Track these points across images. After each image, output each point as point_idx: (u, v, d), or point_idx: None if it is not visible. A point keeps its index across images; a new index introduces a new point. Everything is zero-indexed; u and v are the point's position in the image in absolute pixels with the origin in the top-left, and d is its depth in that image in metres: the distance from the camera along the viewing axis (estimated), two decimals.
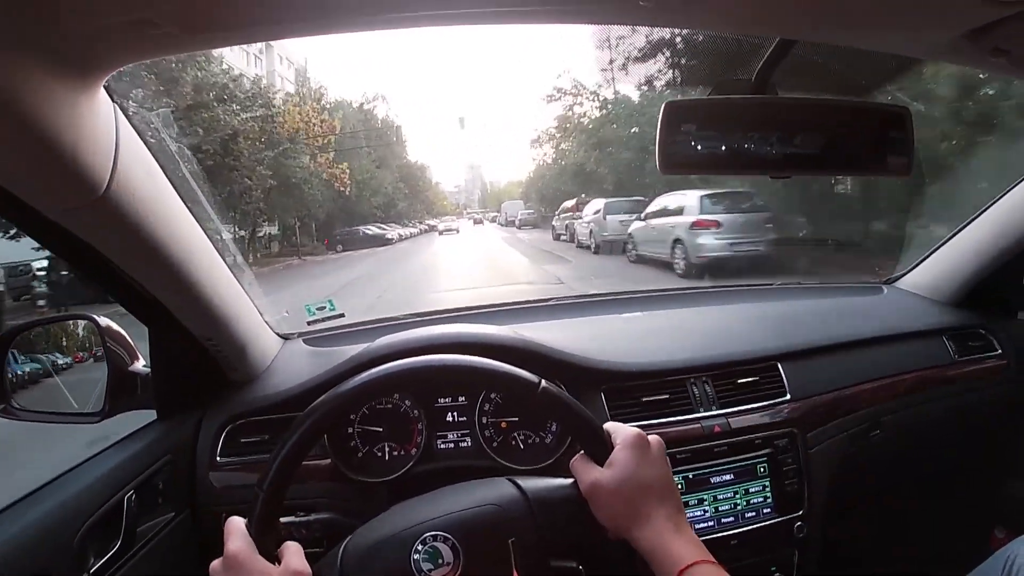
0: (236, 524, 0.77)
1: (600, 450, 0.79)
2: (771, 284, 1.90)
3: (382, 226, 23.00)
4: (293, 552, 0.77)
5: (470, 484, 0.87)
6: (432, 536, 0.77)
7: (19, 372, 1.09)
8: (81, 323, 1.15)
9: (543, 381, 0.80)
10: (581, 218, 13.79)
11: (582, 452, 0.81)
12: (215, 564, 0.75)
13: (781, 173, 0.91)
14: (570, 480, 0.80)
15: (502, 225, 32.16)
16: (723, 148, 0.83)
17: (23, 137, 0.60)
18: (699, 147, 0.82)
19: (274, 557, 0.76)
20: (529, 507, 0.79)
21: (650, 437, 0.80)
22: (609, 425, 0.82)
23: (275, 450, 0.78)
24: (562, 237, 15.89)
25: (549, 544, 0.78)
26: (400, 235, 22.95)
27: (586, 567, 0.78)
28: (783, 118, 0.85)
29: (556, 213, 17.29)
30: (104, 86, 0.70)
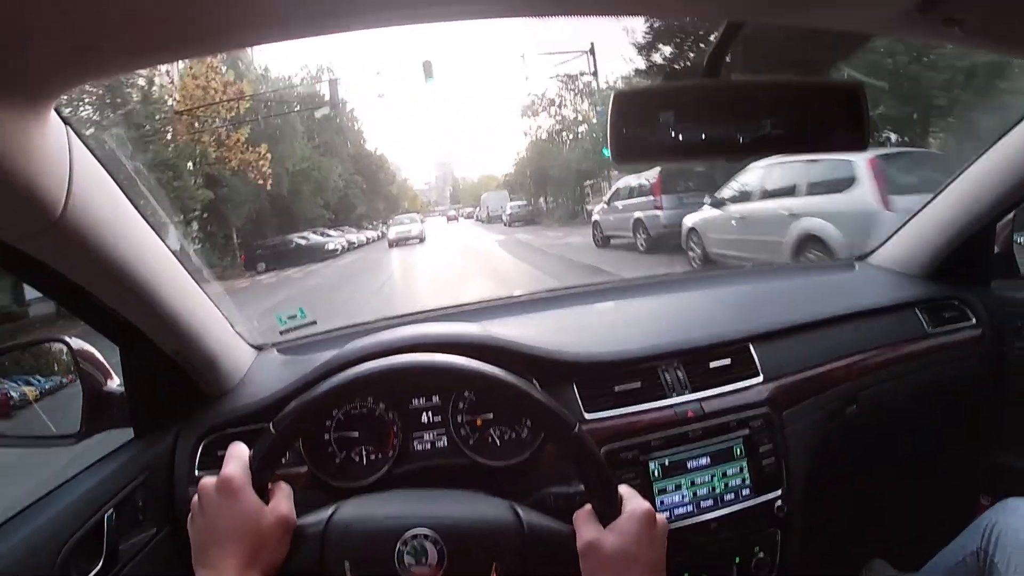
0: (239, 450, 0.79)
1: (609, 512, 0.79)
2: (743, 266, 1.92)
3: (327, 232, 18.49)
4: (283, 495, 0.79)
5: (472, 495, 0.87)
6: (424, 534, 0.78)
7: None
8: (55, 346, 1.14)
9: (579, 426, 0.80)
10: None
11: (588, 507, 0.80)
12: (206, 481, 0.77)
13: (736, 156, 0.91)
14: (569, 528, 0.80)
15: (482, 222, 30.61)
16: (677, 135, 0.82)
17: None
18: (652, 135, 0.82)
19: (265, 495, 0.77)
20: (522, 539, 0.79)
21: (658, 517, 0.80)
22: (623, 489, 0.82)
23: (302, 395, 0.79)
24: (614, 240, 11.31)
25: None
26: (348, 244, 18.23)
27: None
28: (736, 101, 0.85)
29: (607, 200, 11.98)
30: (55, 109, 0.70)
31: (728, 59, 0.85)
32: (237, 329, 1.29)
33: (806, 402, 1.33)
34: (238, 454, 0.79)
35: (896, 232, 1.73)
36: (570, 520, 0.80)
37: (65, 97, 0.71)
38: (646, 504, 0.80)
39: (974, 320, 1.58)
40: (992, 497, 1.64)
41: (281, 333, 1.48)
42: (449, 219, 37.85)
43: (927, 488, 1.68)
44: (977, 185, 1.51)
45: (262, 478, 0.77)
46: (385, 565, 0.77)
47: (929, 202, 1.63)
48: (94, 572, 0.91)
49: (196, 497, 0.77)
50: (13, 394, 1.13)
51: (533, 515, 0.82)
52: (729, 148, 0.87)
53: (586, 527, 0.78)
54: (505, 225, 24.62)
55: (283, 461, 0.82)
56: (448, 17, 0.67)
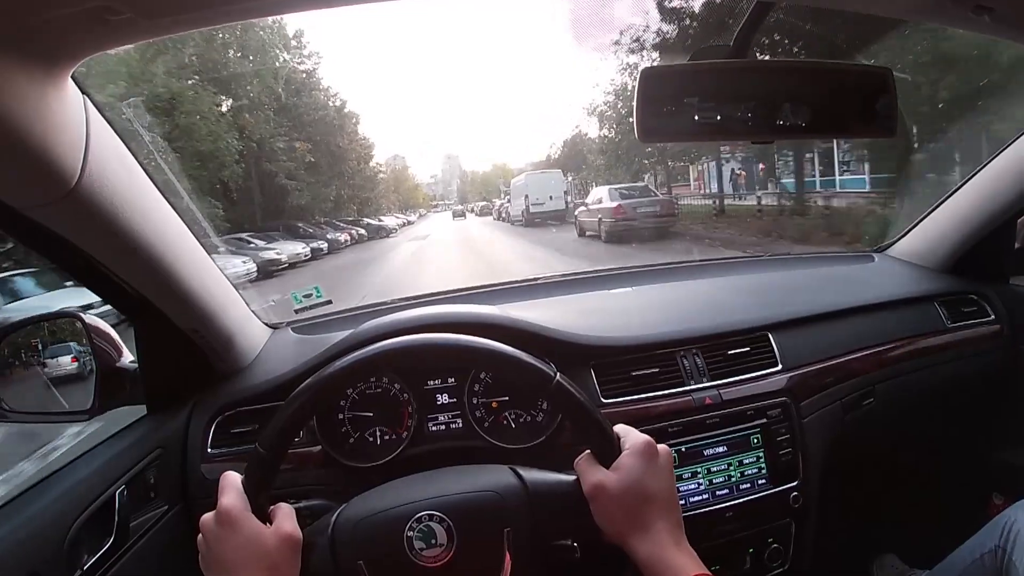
0: (232, 480, 0.78)
1: (608, 452, 0.78)
2: (761, 255, 1.90)
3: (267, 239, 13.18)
4: (285, 514, 0.78)
5: (471, 468, 0.87)
6: (428, 515, 0.77)
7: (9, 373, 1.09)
8: (68, 322, 1.14)
9: (558, 375, 0.79)
10: None
11: (588, 452, 0.80)
12: (206, 517, 0.76)
13: (762, 138, 0.89)
14: (572, 477, 0.80)
15: (509, 222, 20.15)
16: (703, 115, 0.82)
17: None
18: (678, 115, 0.81)
19: (266, 517, 0.76)
20: (528, 498, 0.79)
21: (659, 447, 0.79)
22: (619, 428, 0.82)
23: (281, 409, 0.78)
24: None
25: (544, 537, 0.78)
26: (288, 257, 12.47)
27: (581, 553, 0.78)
28: (763, 83, 0.84)
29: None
30: (72, 77, 0.69)
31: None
32: (252, 308, 1.29)
33: (823, 393, 1.31)
34: (231, 483, 0.77)
35: (916, 225, 1.71)
36: (562, 454, 0.80)
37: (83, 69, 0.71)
38: (644, 437, 0.80)
39: (992, 316, 1.57)
40: (1005, 496, 1.63)
41: (296, 312, 1.48)
42: (456, 216, 34.40)
43: (939, 484, 1.67)
44: (998, 180, 1.49)
45: (260, 501, 0.77)
46: (397, 555, 0.76)
47: (949, 195, 1.60)
48: (104, 548, 0.90)
49: (200, 536, 0.77)
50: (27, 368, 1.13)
51: (534, 473, 0.82)
52: (754, 130, 0.86)
53: (589, 471, 0.78)
54: (554, 227, 16.48)
55: (277, 479, 0.80)
56: None
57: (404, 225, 26.16)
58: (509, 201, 22.33)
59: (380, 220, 22.49)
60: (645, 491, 0.76)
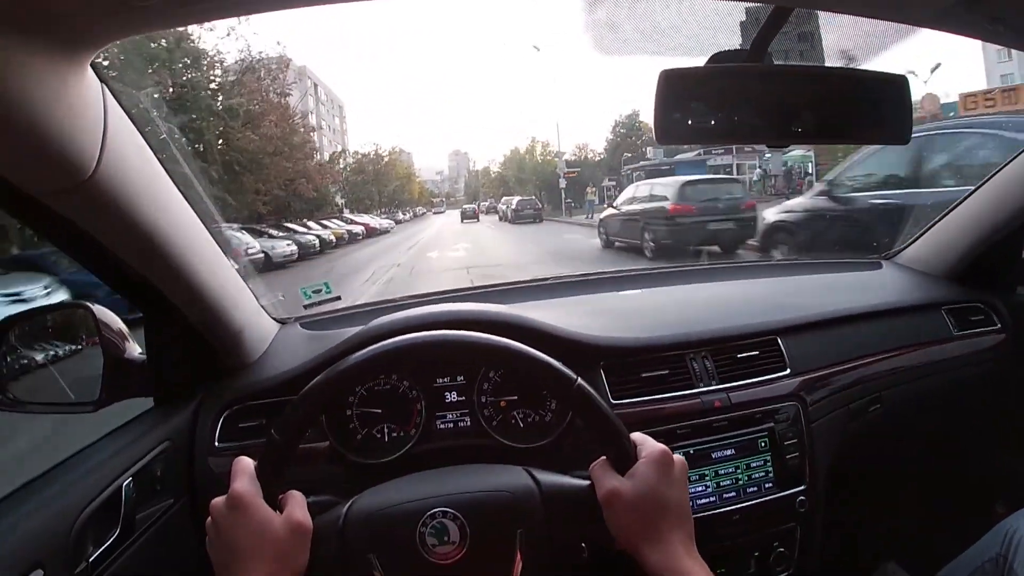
0: (245, 465, 0.78)
1: (624, 459, 0.78)
2: (770, 260, 1.90)
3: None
4: (296, 502, 0.78)
5: (486, 467, 0.87)
6: (442, 512, 0.78)
7: (14, 362, 1.08)
8: (78, 312, 1.14)
9: (579, 380, 0.79)
10: None
11: (603, 458, 0.80)
12: (217, 501, 0.77)
13: (778, 142, 0.90)
14: (587, 482, 0.80)
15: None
16: (720, 118, 0.82)
17: (9, 117, 0.60)
18: (695, 117, 0.82)
19: (277, 504, 0.77)
20: (542, 501, 0.79)
21: (675, 457, 0.79)
22: (636, 436, 0.82)
23: (300, 395, 0.78)
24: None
25: (556, 540, 0.78)
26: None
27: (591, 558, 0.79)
28: (780, 87, 0.84)
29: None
30: (92, 65, 0.69)
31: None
32: (261, 302, 1.29)
33: (831, 398, 1.31)
34: (244, 468, 0.78)
35: (924, 233, 1.71)
36: (571, 454, 0.80)
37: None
38: (661, 446, 0.80)
39: (999, 324, 1.57)
40: (1008, 505, 1.63)
41: (305, 307, 1.48)
42: (466, 217, 28.80)
43: (944, 492, 1.67)
44: (1006, 189, 1.49)
45: (272, 488, 0.77)
46: (409, 550, 0.77)
47: (958, 204, 1.61)
48: (110, 540, 0.90)
49: (209, 519, 0.77)
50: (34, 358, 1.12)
51: (549, 476, 0.82)
52: (770, 134, 0.87)
53: (604, 477, 0.78)
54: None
55: (288, 468, 0.80)
56: None
57: (370, 234, 20.95)
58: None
59: (323, 226, 17.75)
60: (659, 500, 0.76)
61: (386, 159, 33.46)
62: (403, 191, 36.24)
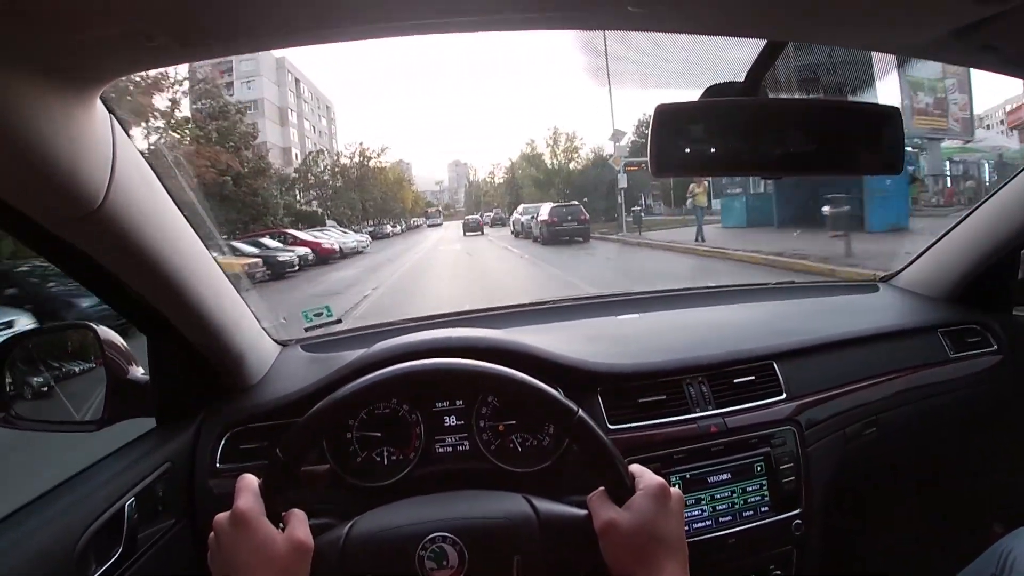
0: (249, 482, 0.79)
1: (622, 491, 0.79)
2: (766, 284, 1.91)
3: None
4: (298, 521, 0.79)
5: (485, 493, 0.88)
6: (441, 537, 0.78)
7: (19, 381, 1.09)
8: (80, 332, 1.15)
9: (580, 411, 0.80)
10: None
11: (602, 489, 0.80)
12: (220, 517, 0.77)
13: (772, 174, 0.92)
14: (584, 512, 0.80)
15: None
16: (714, 150, 0.84)
17: (20, 148, 0.61)
18: (690, 149, 0.83)
19: (280, 522, 0.77)
20: (539, 529, 0.80)
21: (672, 490, 0.80)
22: (634, 468, 0.82)
23: (305, 416, 0.79)
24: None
25: (553, 569, 0.79)
26: None
27: None
28: (774, 119, 0.86)
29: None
30: (100, 97, 0.71)
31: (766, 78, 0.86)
32: (263, 324, 1.30)
33: (827, 422, 1.32)
34: (248, 485, 0.78)
35: (921, 255, 1.72)
36: (568, 478, 0.81)
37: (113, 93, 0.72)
38: (658, 479, 0.80)
39: (995, 346, 1.57)
40: (1005, 525, 1.63)
41: (306, 330, 1.49)
42: (469, 230, 23.56)
43: (941, 514, 1.67)
44: (1002, 211, 1.50)
45: (275, 506, 0.77)
46: (407, 573, 0.77)
47: (955, 226, 1.62)
48: (112, 560, 0.91)
49: (212, 535, 0.78)
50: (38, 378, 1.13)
51: (547, 504, 0.83)
52: (764, 166, 0.89)
53: (602, 508, 0.79)
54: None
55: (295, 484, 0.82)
56: (464, 28, 0.70)
57: (324, 258, 14.92)
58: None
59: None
60: (656, 532, 0.77)
61: (372, 161, 28.61)
62: (393, 199, 31.73)
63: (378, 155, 28.57)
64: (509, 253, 15.32)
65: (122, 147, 0.77)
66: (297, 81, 30.83)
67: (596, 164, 25.10)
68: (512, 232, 20.07)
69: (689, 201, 14.35)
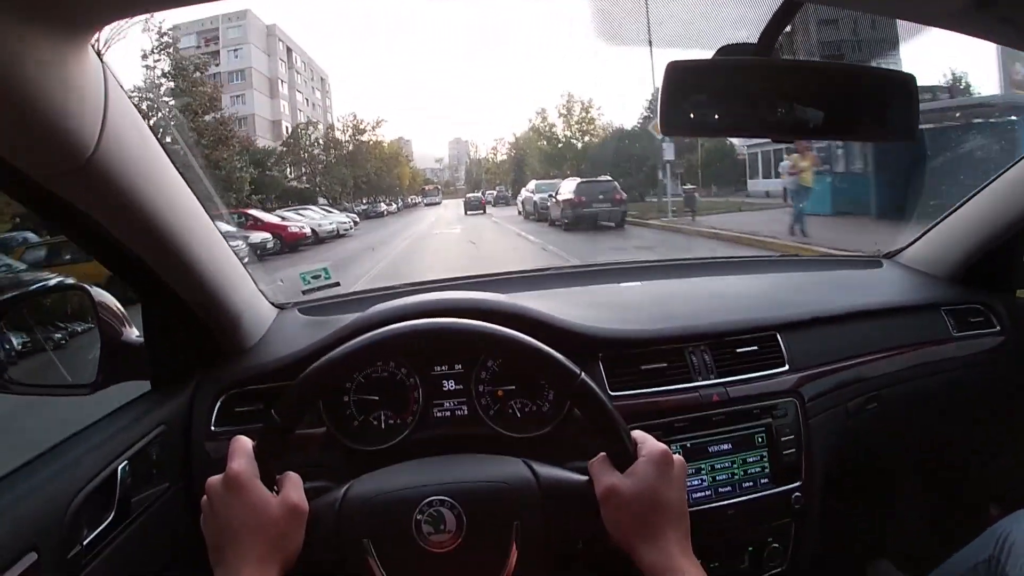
0: (243, 444, 0.78)
1: (624, 457, 0.78)
2: (770, 255, 1.91)
3: None
4: (293, 484, 0.78)
5: (485, 457, 0.87)
6: (439, 500, 0.78)
7: (10, 344, 1.08)
8: (74, 294, 1.14)
9: (583, 375, 0.79)
10: None
11: (603, 454, 0.80)
12: (213, 480, 0.77)
13: (784, 137, 0.90)
14: (586, 477, 0.80)
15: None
16: (725, 111, 0.83)
17: (8, 98, 0.59)
18: (702, 109, 0.82)
19: (274, 485, 0.77)
20: (540, 494, 0.79)
21: (675, 458, 0.80)
22: (637, 434, 0.82)
23: (301, 377, 0.78)
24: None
25: (553, 534, 0.79)
26: None
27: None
28: (787, 82, 0.84)
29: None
30: (92, 45, 0.69)
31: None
32: (260, 287, 1.29)
33: (829, 395, 1.31)
34: (242, 448, 0.78)
35: (926, 232, 1.71)
36: (568, 446, 0.80)
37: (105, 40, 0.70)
38: (661, 445, 0.80)
39: (998, 327, 1.57)
40: (1003, 507, 1.63)
41: (303, 292, 1.48)
42: (470, 208, 22.07)
43: (938, 493, 1.68)
44: (1009, 191, 1.49)
45: (270, 469, 0.77)
46: (404, 537, 0.77)
47: (961, 205, 1.60)
48: (105, 524, 0.90)
49: (205, 498, 0.77)
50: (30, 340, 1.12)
51: (548, 469, 0.82)
52: (776, 128, 0.87)
53: (603, 474, 0.78)
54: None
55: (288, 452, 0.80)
56: None
57: (290, 244, 12.44)
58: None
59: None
60: (657, 499, 0.76)
61: (367, 134, 26.34)
62: (388, 175, 28.66)
63: (373, 128, 26.53)
64: (526, 242, 12.35)
65: (114, 97, 0.74)
66: (289, 50, 29.26)
67: (618, 136, 23.34)
68: (521, 213, 17.73)
69: (790, 180, 10.84)
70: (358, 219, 18.78)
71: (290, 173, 23.11)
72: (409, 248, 13.08)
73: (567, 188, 13.71)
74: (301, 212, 16.25)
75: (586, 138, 25.86)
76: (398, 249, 12.79)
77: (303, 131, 25.61)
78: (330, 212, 18.16)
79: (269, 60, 27.65)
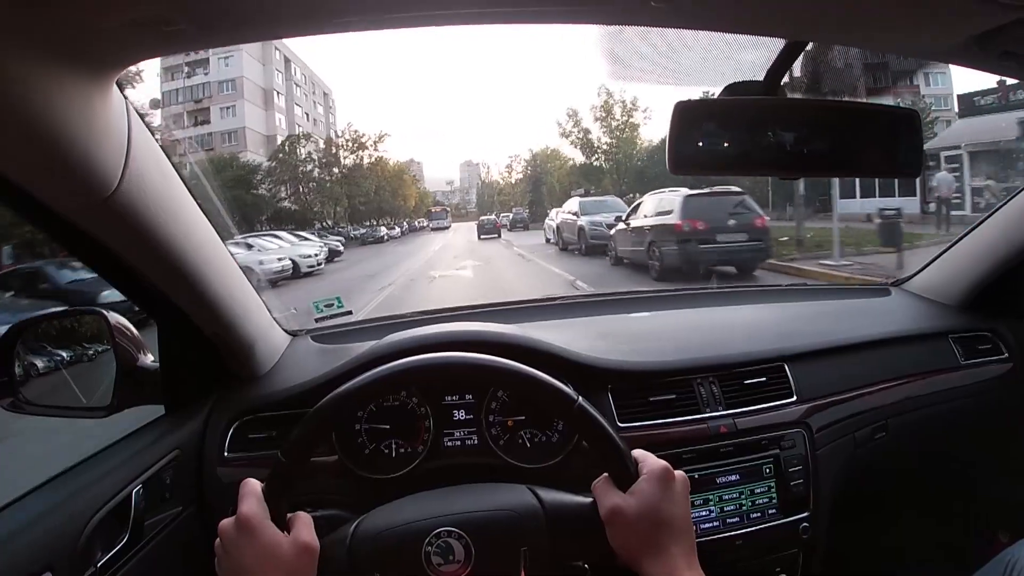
0: (252, 487, 0.79)
1: (625, 477, 0.79)
2: (778, 285, 1.91)
3: None
4: (303, 524, 0.79)
5: (490, 486, 0.88)
6: (447, 532, 0.79)
7: (29, 366, 1.10)
8: (91, 318, 1.15)
9: (580, 399, 0.80)
10: None
11: (606, 475, 0.81)
12: (226, 523, 0.77)
13: (790, 174, 0.91)
14: (589, 499, 0.81)
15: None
16: (733, 149, 0.84)
17: (36, 134, 0.61)
18: (709, 147, 0.83)
19: (285, 525, 0.78)
20: (545, 519, 0.80)
21: (676, 473, 0.80)
22: (637, 453, 0.82)
23: (305, 418, 0.79)
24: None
25: (559, 558, 0.79)
26: None
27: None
28: (793, 120, 0.85)
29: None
30: (116, 82, 0.71)
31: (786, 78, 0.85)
32: (274, 315, 1.31)
33: (837, 426, 1.31)
34: (251, 490, 0.78)
35: (934, 260, 1.71)
36: (577, 472, 0.81)
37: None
38: (662, 462, 0.80)
39: (1006, 354, 1.56)
40: (1012, 534, 1.62)
41: (316, 320, 1.49)
42: (484, 232, 19.98)
43: (948, 521, 1.66)
44: (1016, 218, 1.49)
45: (280, 509, 0.78)
46: (415, 569, 0.77)
47: (969, 232, 1.61)
48: (119, 546, 0.91)
49: (218, 540, 0.78)
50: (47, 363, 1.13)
51: (552, 494, 0.83)
52: (783, 166, 0.88)
53: (606, 495, 0.79)
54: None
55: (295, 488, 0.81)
56: (484, 20, 0.69)
57: None
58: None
59: None
60: (661, 516, 0.77)
61: (367, 150, 24.15)
62: (392, 195, 26.49)
63: (375, 143, 24.09)
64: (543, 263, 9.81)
65: (137, 132, 0.77)
66: (287, 60, 27.97)
67: None
68: (552, 241, 13.61)
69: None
70: (342, 248, 16.74)
71: (283, 192, 21.22)
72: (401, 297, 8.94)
73: (669, 207, 8.82)
74: (260, 241, 13.49)
75: (629, 148, 21.07)
76: (379, 301, 8.47)
77: (291, 145, 23.29)
78: (300, 242, 15.31)
79: (264, 69, 26.60)
